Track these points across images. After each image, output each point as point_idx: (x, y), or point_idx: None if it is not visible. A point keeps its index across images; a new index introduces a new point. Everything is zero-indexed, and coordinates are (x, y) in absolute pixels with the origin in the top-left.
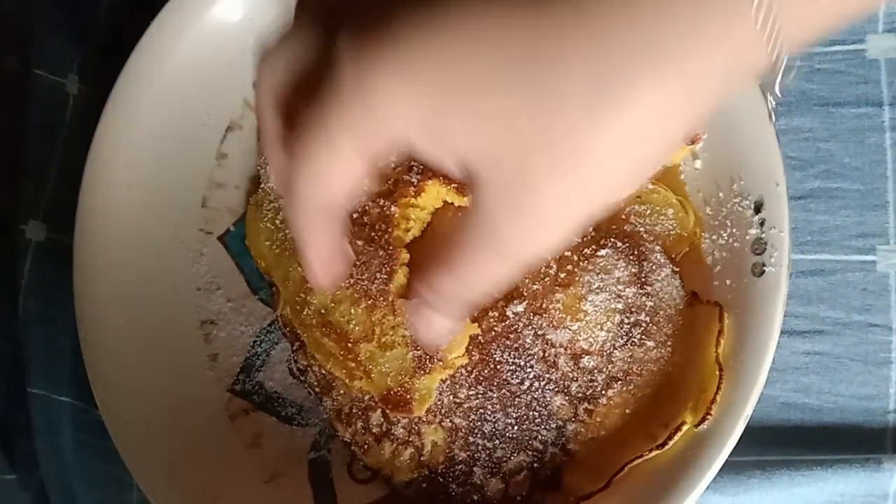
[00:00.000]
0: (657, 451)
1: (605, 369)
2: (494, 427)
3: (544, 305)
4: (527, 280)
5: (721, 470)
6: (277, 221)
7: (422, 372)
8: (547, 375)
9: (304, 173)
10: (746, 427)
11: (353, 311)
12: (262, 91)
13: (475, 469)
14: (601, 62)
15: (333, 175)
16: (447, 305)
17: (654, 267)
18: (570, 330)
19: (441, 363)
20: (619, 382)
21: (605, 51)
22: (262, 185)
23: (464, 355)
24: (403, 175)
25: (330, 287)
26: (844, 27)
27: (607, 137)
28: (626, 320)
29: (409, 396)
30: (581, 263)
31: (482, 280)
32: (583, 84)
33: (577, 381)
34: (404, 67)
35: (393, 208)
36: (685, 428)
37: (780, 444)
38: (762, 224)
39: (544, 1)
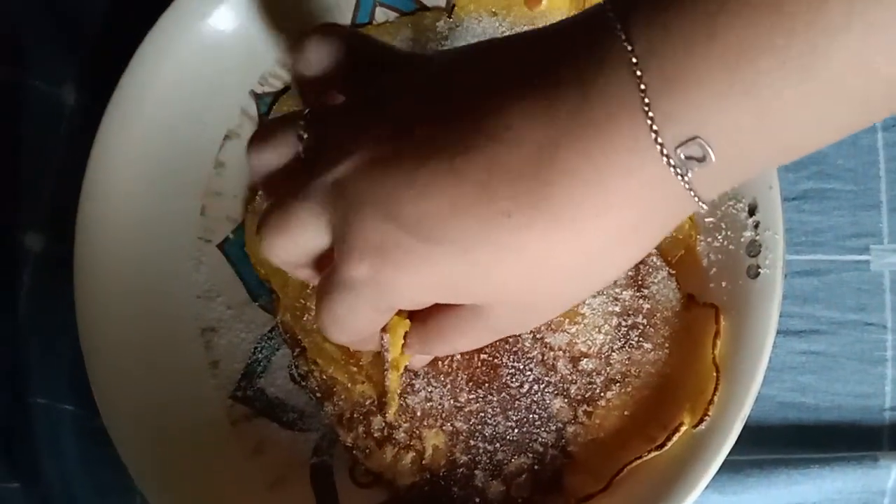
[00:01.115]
0: (656, 453)
1: (603, 372)
2: (495, 430)
3: None
4: None
5: (720, 469)
6: None
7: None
8: (546, 378)
9: (338, 332)
10: (744, 426)
11: None
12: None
13: (476, 472)
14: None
15: (361, 329)
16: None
17: (650, 269)
18: (568, 333)
19: (388, 365)
20: (618, 384)
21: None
22: (261, 192)
23: (402, 353)
24: None
25: None
26: None
27: (578, 292)
28: (624, 323)
29: (384, 401)
30: None
31: (470, 347)
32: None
33: (576, 383)
34: (418, 282)
35: None
36: (683, 429)
37: (777, 443)
38: (756, 226)
39: (490, 216)
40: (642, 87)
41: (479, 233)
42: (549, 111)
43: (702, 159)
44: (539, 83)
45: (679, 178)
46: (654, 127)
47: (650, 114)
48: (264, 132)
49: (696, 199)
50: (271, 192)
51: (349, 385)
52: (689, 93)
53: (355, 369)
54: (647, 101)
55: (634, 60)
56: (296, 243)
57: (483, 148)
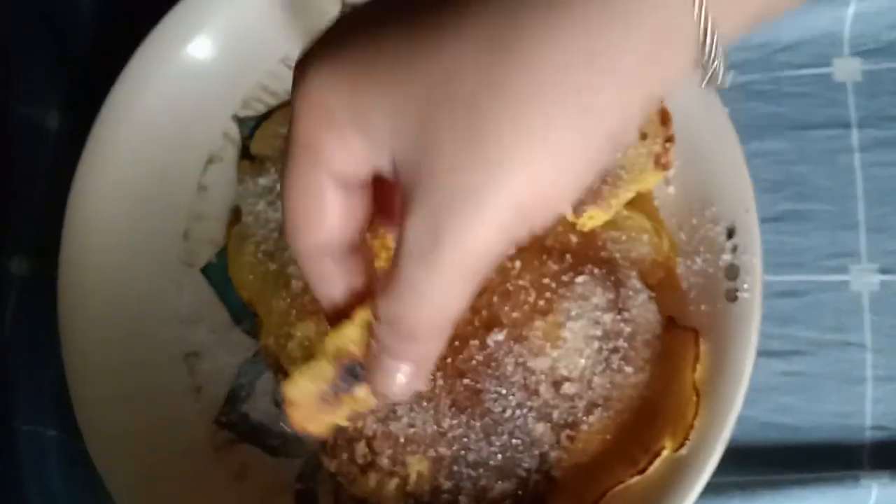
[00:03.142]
0: (637, 477)
1: (585, 395)
2: (478, 456)
3: (524, 333)
4: (506, 308)
5: (702, 492)
6: (259, 255)
7: None
8: (529, 403)
9: (292, 221)
10: (727, 448)
11: None
12: None
13: (460, 498)
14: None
15: (317, 215)
16: (403, 347)
17: (630, 293)
18: (550, 357)
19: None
20: (600, 408)
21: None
22: (244, 219)
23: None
24: None
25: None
26: (812, 51)
27: (525, 121)
28: (605, 346)
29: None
30: (559, 291)
31: (426, 303)
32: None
33: (558, 408)
34: (329, 58)
35: (368, 237)
36: (665, 453)
37: (760, 464)
38: (735, 250)
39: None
40: None
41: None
42: None
43: None
44: None
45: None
46: None
47: None
48: None
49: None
50: None
51: None
52: None
53: None
54: None
55: None
56: None
57: None
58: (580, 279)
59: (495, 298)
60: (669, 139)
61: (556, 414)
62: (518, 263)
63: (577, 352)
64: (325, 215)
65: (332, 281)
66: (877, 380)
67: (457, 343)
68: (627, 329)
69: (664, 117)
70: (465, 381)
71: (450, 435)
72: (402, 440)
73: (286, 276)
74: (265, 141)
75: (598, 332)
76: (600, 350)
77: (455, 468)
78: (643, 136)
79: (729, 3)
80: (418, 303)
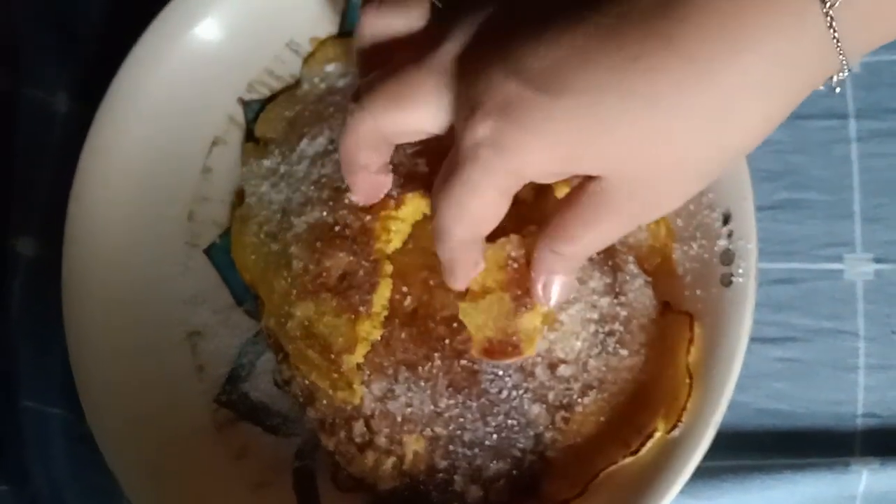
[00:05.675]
0: (630, 458)
1: (580, 378)
2: (474, 436)
3: None
4: None
5: (696, 475)
6: (262, 235)
7: (522, 309)
8: (525, 384)
9: (458, 219)
10: (721, 433)
11: (335, 322)
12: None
13: (456, 477)
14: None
15: (481, 216)
16: (568, 267)
17: (627, 278)
18: (546, 339)
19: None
20: (595, 390)
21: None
22: (247, 200)
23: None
24: None
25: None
26: None
27: (719, 146)
28: (601, 330)
29: (514, 339)
30: None
31: (601, 242)
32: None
33: (553, 389)
34: (539, 143)
35: (369, 218)
36: (657, 435)
37: (753, 448)
38: (730, 235)
39: (619, 62)
40: None
41: (606, 81)
42: None
43: None
44: None
45: (822, 6)
46: None
47: None
48: None
49: (839, 48)
50: (374, 62)
51: (330, 392)
52: None
53: (336, 376)
54: None
55: None
56: (406, 119)
57: None
58: None
59: None
60: None
61: (551, 395)
62: None
63: (573, 335)
64: (494, 215)
65: (470, 261)
66: (869, 368)
67: (455, 324)
68: (623, 313)
69: None
70: (463, 361)
71: (446, 415)
72: (399, 419)
73: (287, 256)
74: (269, 123)
75: (595, 316)
76: (596, 333)
77: (451, 448)
78: None
79: (865, 34)
80: (595, 245)
